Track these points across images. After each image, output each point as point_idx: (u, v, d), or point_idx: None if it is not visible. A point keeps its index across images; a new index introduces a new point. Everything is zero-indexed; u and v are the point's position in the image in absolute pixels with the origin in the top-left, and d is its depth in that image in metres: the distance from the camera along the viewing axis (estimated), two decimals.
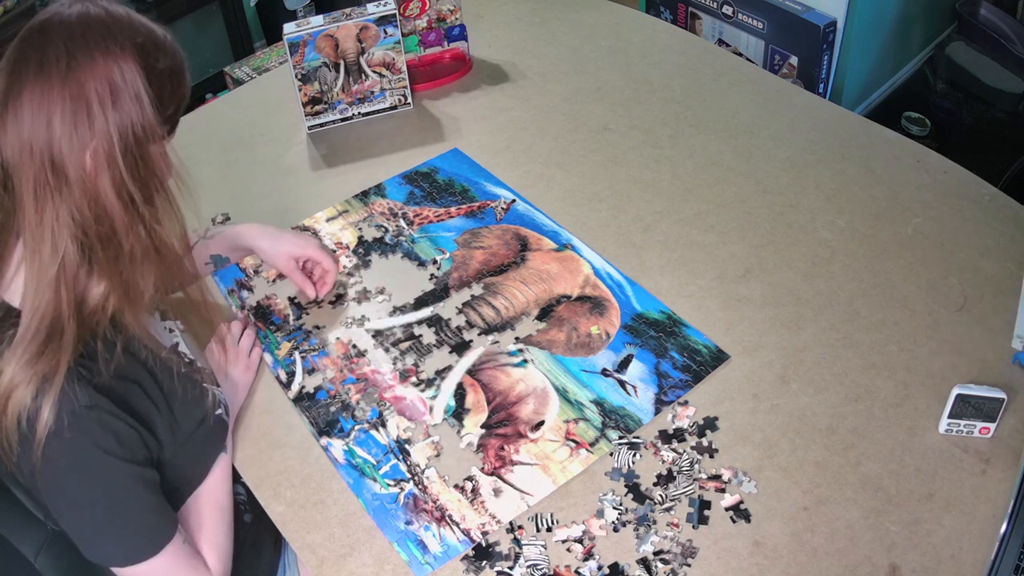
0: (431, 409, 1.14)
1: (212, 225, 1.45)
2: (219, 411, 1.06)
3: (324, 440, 1.12)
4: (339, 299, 1.30)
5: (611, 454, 1.07)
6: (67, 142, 0.84)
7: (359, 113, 1.65)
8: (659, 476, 1.04)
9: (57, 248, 0.86)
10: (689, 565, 0.96)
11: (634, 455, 1.07)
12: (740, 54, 2.19)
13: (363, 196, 1.48)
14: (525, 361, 1.18)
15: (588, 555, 0.98)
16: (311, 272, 1.30)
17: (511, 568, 0.98)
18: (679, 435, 1.08)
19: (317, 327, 1.26)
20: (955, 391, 1.02)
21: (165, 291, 0.98)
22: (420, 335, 1.24)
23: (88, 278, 0.89)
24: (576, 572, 0.97)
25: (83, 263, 0.87)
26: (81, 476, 0.88)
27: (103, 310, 0.90)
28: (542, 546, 0.99)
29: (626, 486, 1.04)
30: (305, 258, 1.28)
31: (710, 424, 1.09)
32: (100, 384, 0.89)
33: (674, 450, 1.07)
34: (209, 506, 1.04)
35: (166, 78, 0.90)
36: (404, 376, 1.18)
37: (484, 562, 0.98)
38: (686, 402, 1.12)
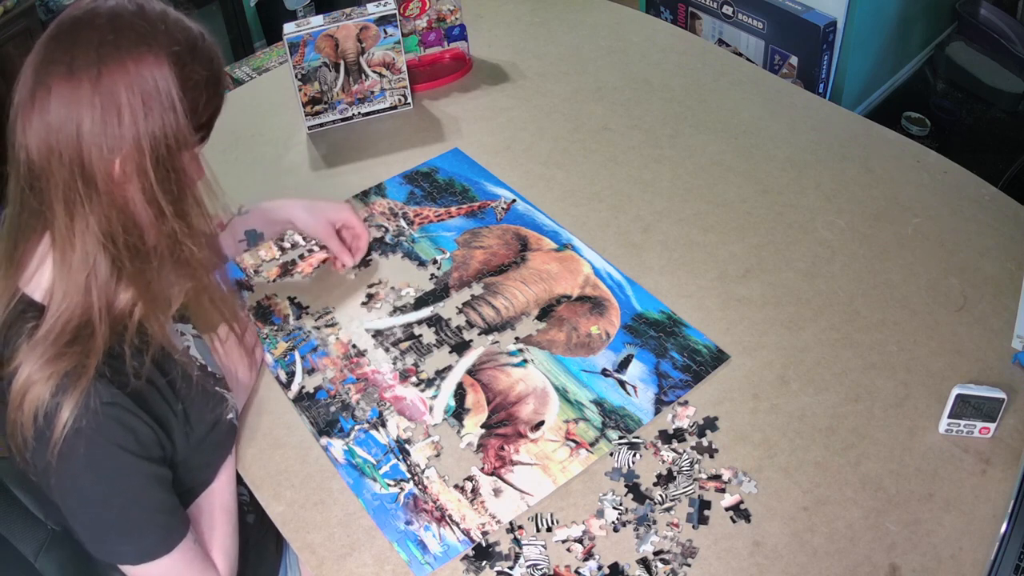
0: (431, 409, 1.14)
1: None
2: (230, 415, 1.06)
3: (324, 440, 1.12)
4: (366, 263, 1.36)
5: (611, 454, 1.07)
6: (96, 150, 0.82)
7: (359, 113, 1.65)
8: (659, 476, 1.04)
9: (88, 255, 0.85)
10: (689, 565, 0.96)
11: (634, 455, 1.07)
12: (740, 54, 2.19)
13: (363, 196, 1.48)
14: (525, 361, 1.18)
15: (588, 555, 0.98)
16: (344, 240, 1.34)
17: (511, 568, 0.98)
18: (679, 435, 1.08)
19: (316, 327, 1.26)
20: (955, 391, 1.02)
21: (196, 301, 0.97)
22: (420, 335, 1.24)
23: (117, 285, 0.87)
24: (576, 572, 0.97)
25: (113, 271, 0.86)
26: (96, 472, 0.88)
27: (130, 315, 0.89)
28: (542, 546, 0.99)
29: (626, 486, 1.04)
30: (341, 223, 1.32)
31: (710, 424, 1.09)
32: (120, 382, 0.88)
33: (674, 450, 1.07)
34: (216, 508, 1.03)
35: (202, 87, 0.88)
36: (404, 376, 1.18)
37: (484, 562, 0.98)
38: (686, 402, 1.12)
